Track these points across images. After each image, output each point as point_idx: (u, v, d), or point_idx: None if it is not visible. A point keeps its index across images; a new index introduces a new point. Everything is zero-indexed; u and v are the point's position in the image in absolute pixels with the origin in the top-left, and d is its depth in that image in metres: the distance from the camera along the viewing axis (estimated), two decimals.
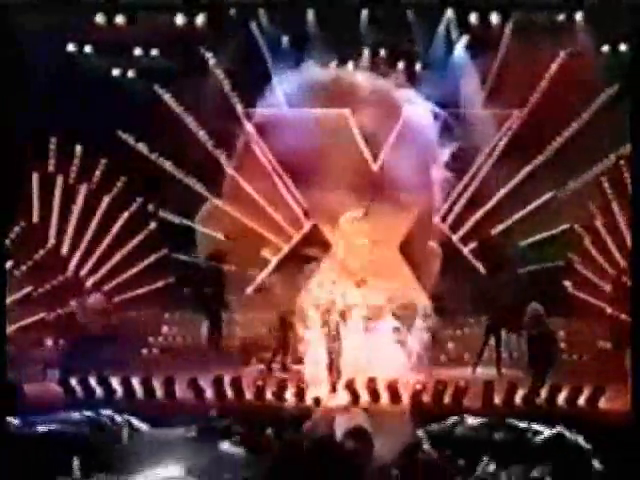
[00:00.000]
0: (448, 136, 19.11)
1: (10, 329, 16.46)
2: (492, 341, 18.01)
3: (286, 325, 17.81)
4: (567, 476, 8.31)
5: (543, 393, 14.84)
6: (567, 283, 18.59)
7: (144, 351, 19.17)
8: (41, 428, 10.40)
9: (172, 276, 19.00)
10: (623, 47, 18.56)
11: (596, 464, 8.74)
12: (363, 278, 18.97)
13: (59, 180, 18.98)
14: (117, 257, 19.02)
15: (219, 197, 19.50)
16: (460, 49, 19.30)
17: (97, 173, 19.09)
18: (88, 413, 11.21)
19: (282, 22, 19.01)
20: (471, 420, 10.33)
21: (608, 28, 18.37)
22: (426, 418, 12.18)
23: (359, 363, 16.55)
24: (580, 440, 9.30)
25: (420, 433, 11.12)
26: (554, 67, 18.58)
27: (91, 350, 16.74)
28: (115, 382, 15.40)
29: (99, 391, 15.36)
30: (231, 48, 19.05)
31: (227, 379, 15.19)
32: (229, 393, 15.06)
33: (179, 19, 18.81)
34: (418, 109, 19.22)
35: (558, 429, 9.55)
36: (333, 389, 15.70)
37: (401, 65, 19.53)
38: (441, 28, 19.21)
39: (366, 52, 19.29)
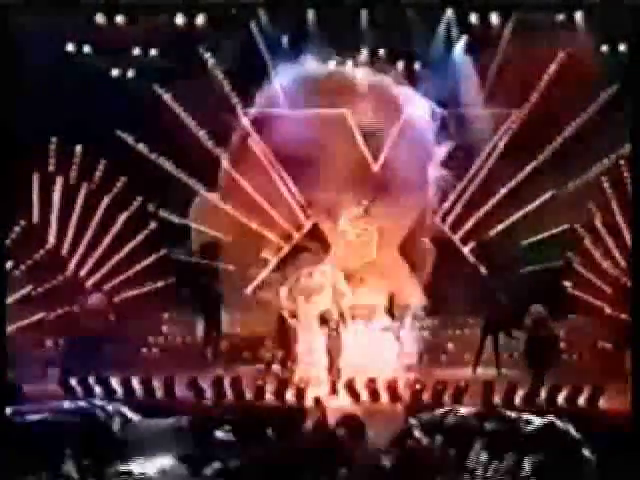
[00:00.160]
0: (445, 134, 19.12)
1: (10, 329, 16.45)
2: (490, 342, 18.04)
3: (286, 325, 17.80)
4: (558, 465, 8.33)
5: (543, 393, 14.85)
6: (567, 283, 18.59)
7: (144, 351, 19.19)
8: (33, 417, 10.39)
9: (172, 276, 19.00)
10: (623, 47, 18.54)
11: (587, 453, 8.76)
12: (363, 278, 19.01)
13: (59, 180, 18.98)
14: (117, 257, 19.00)
15: (219, 196, 19.50)
16: (460, 49, 19.29)
17: (97, 173, 19.08)
18: (80, 403, 11.20)
19: (282, 22, 19.01)
20: (462, 410, 10.33)
21: (608, 28, 18.37)
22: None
23: (359, 363, 16.57)
24: (571, 429, 9.30)
25: (411, 420, 11.15)
26: (554, 67, 18.58)
27: (91, 350, 16.76)
28: (115, 382, 15.41)
29: (99, 391, 15.37)
30: (231, 48, 19.04)
31: (227, 379, 15.20)
32: (229, 393, 15.07)
33: (179, 19, 18.80)
34: (417, 108, 19.21)
35: (549, 418, 9.54)
36: (333, 389, 15.70)
37: (400, 65, 19.52)
38: (441, 28, 19.19)
39: (365, 52, 19.27)
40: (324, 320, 16.39)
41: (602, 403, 14.59)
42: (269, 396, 15.08)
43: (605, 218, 18.64)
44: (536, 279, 18.35)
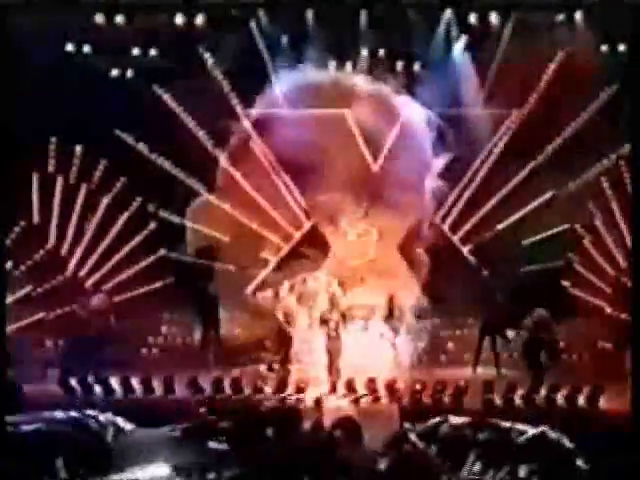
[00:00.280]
0: (442, 145, 19.11)
1: (10, 329, 16.45)
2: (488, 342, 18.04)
3: (287, 325, 17.79)
4: (551, 475, 8.32)
5: (543, 393, 14.85)
6: (567, 283, 18.60)
7: (144, 351, 19.18)
8: (26, 427, 10.36)
9: (172, 276, 19.00)
10: (622, 47, 18.54)
11: (580, 463, 8.75)
12: (363, 278, 19.01)
13: (59, 180, 18.98)
14: (117, 257, 19.00)
15: (219, 196, 19.49)
16: (459, 49, 19.28)
17: (97, 173, 19.08)
18: (72, 413, 11.17)
19: (282, 22, 19.01)
20: (454, 420, 10.31)
21: (607, 28, 18.37)
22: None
23: (359, 363, 16.57)
24: (563, 439, 9.29)
25: (407, 425, 11.13)
26: (553, 67, 18.59)
27: (91, 350, 16.76)
28: (115, 382, 15.41)
29: (99, 391, 15.37)
30: (231, 48, 19.03)
31: (227, 379, 15.20)
32: (229, 393, 15.07)
33: (178, 19, 18.79)
34: (415, 112, 19.20)
35: (541, 428, 9.52)
36: (333, 389, 15.69)
37: (400, 65, 19.51)
38: (440, 28, 19.18)
39: (365, 52, 19.26)
40: (324, 320, 16.37)
41: (602, 403, 14.59)
42: (269, 396, 15.05)
43: (605, 218, 18.65)
44: (536, 279, 18.36)
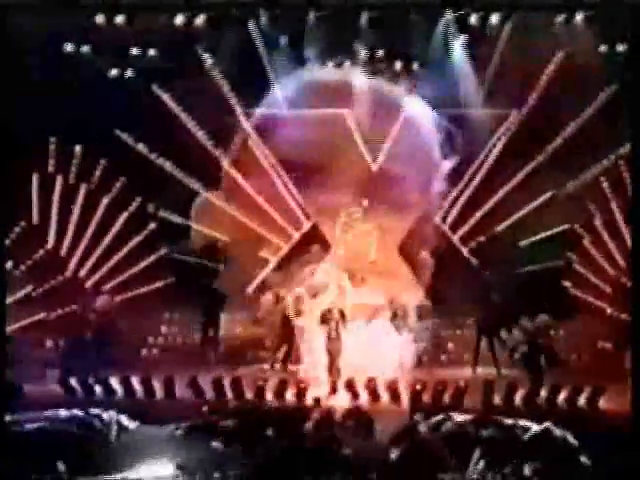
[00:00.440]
0: (449, 147, 19.11)
1: (10, 329, 16.46)
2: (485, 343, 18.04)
3: (287, 325, 17.80)
4: (555, 472, 8.33)
5: (543, 393, 14.85)
6: (567, 283, 18.61)
7: (144, 351, 19.19)
8: (28, 426, 10.37)
9: (172, 276, 19.00)
10: (622, 47, 18.53)
11: (584, 459, 8.76)
12: (363, 278, 19.01)
13: (59, 180, 18.99)
14: (117, 257, 19.01)
15: (219, 197, 19.49)
16: (459, 49, 19.28)
17: (97, 173, 19.08)
18: (76, 411, 11.18)
19: (282, 22, 19.00)
20: (458, 417, 10.32)
21: (607, 28, 18.34)
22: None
23: (359, 363, 16.57)
24: (568, 436, 9.30)
25: (417, 416, 11.15)
26: (553, 67, 18.59)
27: (91, 350, 16.78)
28: (115, 382, 15.41)
29: (99, 391, 15.37)
30: (230, 48, 19.02)
31: (227, 379, 15.20)
32: (229, 393, 15.07)
33: (178, 19, 18.78)
34: (422, 113, 19.19)
35: (545, 425, 9.52)
36: (333, 389, 15.69)
37: (399, 65, 19.51)
38: (440, 28, 19.17)
39: (365, 52, 19.24)
40: (324, 320, 16.37)
41: (602, 403, 14.58)
42: (270, 396, 15.06)
43: (605, 218, 18.66)
44: (536, 279, 18.36)
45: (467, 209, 19.38)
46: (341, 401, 14.98)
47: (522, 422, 10.09)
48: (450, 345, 18.95)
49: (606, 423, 13.25)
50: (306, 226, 19.51)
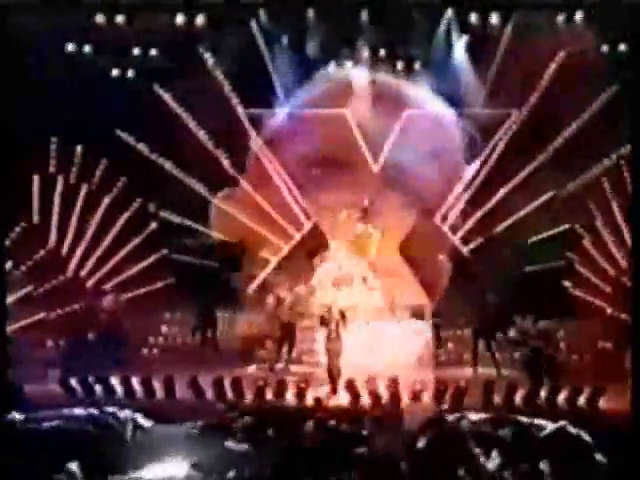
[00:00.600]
0: (472, 153, 19.11)
1: (10, 329, 16.46)
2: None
3: (287, 325, 17.79)
4: (570, 470, 8.33)
5: (543, 393, 14.84)
6: (567, 283, 18.60)
7: (144, 351, 19.19)
8: (44, 425, 10.38)
9: (172, 276, 19.02)
10: (623, 47, 18.54)
11: (599, 458, 8.74)
12: (363, 278, 19.02)
13: (59, 180, 19.00)
14: (117, 257, 19.02)
15: (219, 197, 19.49)
16: (460, 49, 19.28)
17: (97, 173, 19.09)
18: (91, 410, 11.19)
19: (282, 22, 19.01)
20: (473, 416, 10.31)
21: (608, 28, 18.35)
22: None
23: (359, 363, 16.57)
24: (583, 434, 9.28)
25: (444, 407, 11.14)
26: (554, 67, 18.59)
27: (91, 350, 16.79)
28: (115, 382, 15.41)
29: (99, 391, 15.38)
30: (230, 48, 19.03)
31: (227, 379, 15.19)
32: (229, 393, 15.07)
33: (178, 19, 18.79)
34: (441, 114, 19.15)
35: (561, 423, 9.51)
36: (333, 389, 15.68)
37: (400, 65, 19.51)
38: (441, 28, 19.18)
39: (366, 52, 19.26)
40: (324, 320, 16.35)
41: (602, 403, 14.58)
42: (270, 396, 15.06)
43: (605, 218, 18.64)
44: (536, 279, 18.35)
45: (467, 209, 19.37)
46: (341, 401, 15.00)
47: (539, 421, 10.08)
48: (450, 345, 18.93)
49: (606, 423, 13.22)
50: (306, 226, 19.49)
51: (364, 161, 19.23)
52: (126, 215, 19.17)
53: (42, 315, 18.27)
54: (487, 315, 17.86)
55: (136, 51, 19.32)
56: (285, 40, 19.11)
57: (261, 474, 8.58)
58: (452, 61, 19.39)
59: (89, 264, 19.07)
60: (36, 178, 18.81)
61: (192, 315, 19.18)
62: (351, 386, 14.99)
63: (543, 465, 8.48)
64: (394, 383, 15.02)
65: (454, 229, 19.50)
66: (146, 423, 11.22)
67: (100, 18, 18.59)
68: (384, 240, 19.20)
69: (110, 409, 11.32)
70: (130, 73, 19.56)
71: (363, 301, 18.52)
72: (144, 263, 19.01)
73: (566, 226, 18.80)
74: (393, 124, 19.23)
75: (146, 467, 9.09)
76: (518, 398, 14.74)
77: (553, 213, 18.92)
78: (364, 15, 18.82)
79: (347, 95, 19.30)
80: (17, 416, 10.78)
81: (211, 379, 15.14)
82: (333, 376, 15.85)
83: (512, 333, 16.77)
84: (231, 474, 8.71)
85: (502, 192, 19.07)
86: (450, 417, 10.52)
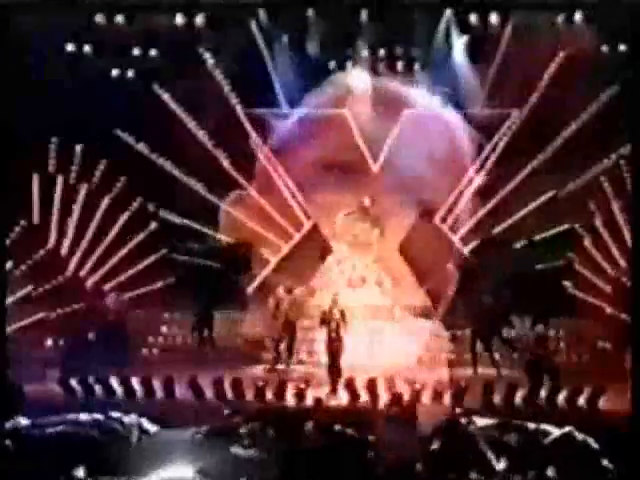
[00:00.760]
0: (481, 162, 19.12)
1: (10, 329, 16.47)
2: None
3: (287, 325, 17.79)
4: (576, 475, 8.35)
5: (543, 393, 14.85)
6: (567, 283, 18.60)
7: (144, 351, 19.19)
8: (49, 430, 10.37)
9: (172, 276, 19.02)
10: (622, 47, 18.53)
11: (606, 463, 8.76)
12: (363, 278, 19.02)
13: (59, 180, 18.99)
14: (117, 257, 19.01)
15: (218, 197, 19.48)
16: (460, 49, 19.27)
17: (97, 173, 19.09)
18: (96, 415, 11.18)
19: (282, 22, 19.00)
20: (480, 421, 10.32)
21: (608, 28, 18.35)
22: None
23: (359, 363, 16.57)
24: (589, 440, 9.29)
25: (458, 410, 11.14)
26: (554, 67, 18.59)
27: (91, 350, 16.79)
28: (115, 382, 15.41)
29: (99, 391, 15.37)
30: (230, 48, 19.03)
31: (228, 379, 15.19)
32: (229, 393, 15.07)
33: (178, 19, 18.79)
34: (448, 119, 19.15)
35: (567, 429, 9.52)
36: (333, 389, 15.68)
37: (400, 64, 19.51)
38: (441, 28, 19.18)
39: (366, 52, 19.26)
40: (324, 320, 16.34)
41: (602, 403, 14.58)
42: (270, 397, 15.05)
43: (605, 218, 18.64)
44: (536, 279, 18.35)
45: (467, 209, 19.36)
46: (341, 401, 15.00)
47: (544, 426, 10.09)
48: (450, 345, 18.92)
49: (606, 423, 13.23)
50: (306, 226, 19.48)
51: (364, 161, 19.22)
52: (126, 215, 19.16)
53: (42, 315, 18.27)
54: (486, 315, 17.84)
55: (136, 51, 19.28)
56: (285, 40, 19.09)
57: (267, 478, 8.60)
58: (452, 61, 19.36)
59: (89, 264, 19.06)
60: (36, 178, 18.80)
61: (192, 315, 19.18)
62: (351, 386, 15.00)
63: (550, 471, 8.50)
64: (394, 383, 15.05)
65: (454, 229, 19.48)
66: (151, 428, 11.22)
67: (100, 18, 18.58)
68: (384, 240, 19.20)
69: (115, 414, 11.32)
70: (130, 73, 19.53)
71: (374, 302, 18.55)
72: (144, 263, 19.00)
73: (566, 226, 18.80)
74: (392, 124, 19.21)
75: (151, 472, 9.09)
76: (518, 398, 14.75)
77: (553, 213, 18.90)
78: (364, 15, 18.82)
79: (347, 95, 19.29)
80: (22, 421, 10.79)
81: (211, 379, 15.14)
82: (333, 376, 15.85)
83: (510, 334, 16.78)
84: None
85: (502, 192, 19.06)
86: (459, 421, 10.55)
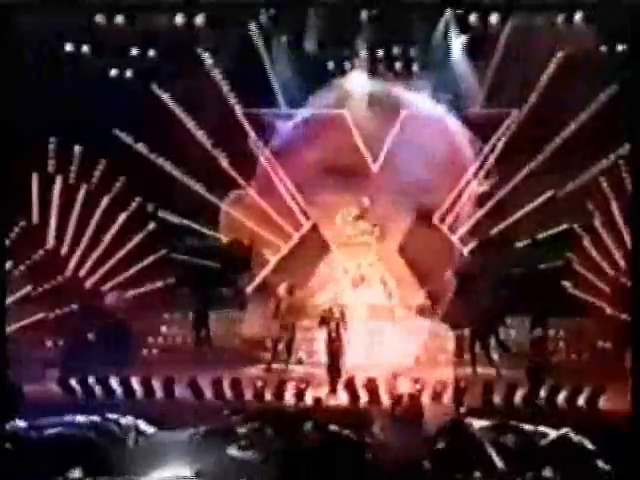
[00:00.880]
0: (484, 172, 19.12)
1: (10, 329, 16.45)
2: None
3: (287, 325, 17.79)
4: (573, 478, 8.35)
5: (543, 393, 14.86)
6: (567, 283, 18.61)
7: (144, 351, 19.19)
8: (46, 432, 10.36)
9: (172, 276, 19.02)
10: (622, 47, 18.54)
11: (602, 465, 8.75)
12: (363, 278, 19.03)
13: (58, 180, 18.98)
14: (116, 257, 19.00)
15: (218, 197, 19.48)
16: (459, 49, 19.27)
17: (96, 173, 19.08)
18: (93, 417, 11.17)
19: (282, 22, 19.01)
20: (476, 423, 10.30)
21: (607, 28, 18.35)
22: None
23: (359, 363, 16.58)
24: (585, 442, 9.29)
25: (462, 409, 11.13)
26: (553, 67, 18.59)
27: (91, 350, 16.78)
28: (115, 382, 15.40)
29: (99, 391, 15.37)
30: (230, 48, 19.03)
31: (227, 379, 15.19)
32: (229, 393, 15.07)
33: (178, 19, 18.78)
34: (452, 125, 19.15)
35: (564, 431, 9.52)
36: (333, 389, 15.68)
37: (399, 65, 19.52)
38: (440, 28, 19.18)
39: (365, 52, 19.25)
40: (324, 320, 16.34)
41: (602, 403, 14.59)
42: (270, 397, 15.06)
43: (605, 218, 18.65)
44: (535, 279, 18.37)
45: (467, 209, 19.37)
46: (341, 401, 15.01)
47: (541, 428, 10.08)
48: (450, 345, 18.91)
49: (606, 423, 13.23)
50: (306, 226, 19.48)
51: (364, 161, 19.22)
52: (125, 215, 19.15)
53: (42, 315, 18.26)
54: (486, 315, 17.86)
55: (135, 51, 19.28)
56: (285, 40, 19.09)
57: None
58: (451, 61, 19.36)
59: (88, 264, 19.05)
60: (35, 178, 18.78)
61: (192, 315, 19.21)
62: (351, 386, 15.00)
63: (547, 473, 8.50)
64: (394, 383, 15.05)
65: (453, 229, 19.48)
66: (148, 429, 11.20)
67: (100, 18, 18.56)
68: (384, 240, 19.20)
69: (112, 415, 11.31)
70: (129, 73, 19.53)
71: (373, 302, 18.57)
72: (144, 263, 19.00)
73: (565, 226, 18.81)
74: (392, 124, 19.21)
75: (149, 474, 9.08)
76: (518, 398, 14.76)
77: (552, 213, 18.91)
78: (363, 15, 18.82)
79: (346, 97, 19.30)
80: (19, 423, 10.77)
81: (210, 380, 15.14)
82: (333, 376, 15.85)
83: (509, 336, 16.80)
84: None
85: (501, 192, 19.07)
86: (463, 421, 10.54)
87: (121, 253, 19.01)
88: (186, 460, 9.13)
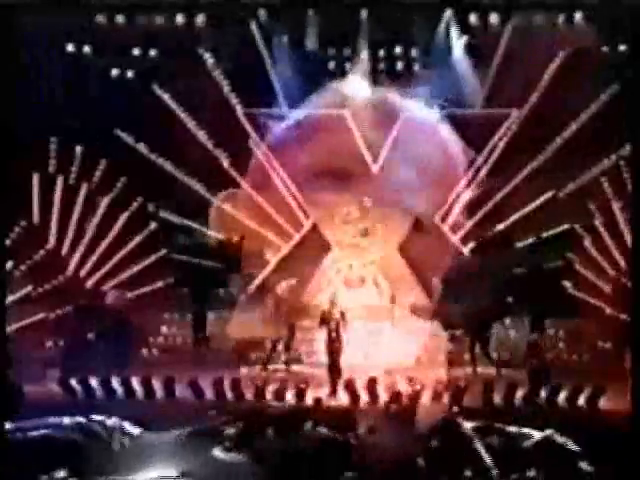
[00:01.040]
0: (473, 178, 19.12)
1: (10, 329, 16.44)
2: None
3: (287, 325, 17.79)
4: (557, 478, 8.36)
5: (543, 393, 14.85)
6: (567, 283, 18.60)
7: (144, 351, 19.20)
8: (31, 434, 10.36)
9: (172, 276, 19.03)
10: (622, 47, 18.55)
11: (585, 466, 8.75)
12: (362, 278, 19.02)
13: (59, 180, 18.98)
14: (117, 257, 19.00)
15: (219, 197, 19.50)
16: (460, 49, 19.28)
17: (97, 173, 19.08)
18: (79, 419, 11.16)
19: (282, 22, 19.02)
20: (465, 423, 10.31)
21: (608, 28, 18.37)
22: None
23: (359, 363, 16.57)
24: (569, 443, 9.29)
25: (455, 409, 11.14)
26: (554, 67, 18.59)
27: (91, 350, 16.78)
28: (115, 382, 15.41)
29: (99, 391, 15.37)
30: (230, 48, 19.04)
31: (227, 379, 15.19)
32: (229, 393, 15.07)
33: (178, 19, 18.80)
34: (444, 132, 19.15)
35: (547, 432, 9.52)
36: (333, 389, 15.67)
37: (400, 65, 19.52)
38: (441, 28, 19.19)
39: (366, 52, 19.26)
40: (324, 320, 16.34)
41: (602, 403, 14.58)
42: (270, 397, 15.05)
43: (605, 218, 18.64)
44: (535, 279, 18.36)
45: (467, 209, 19.37)
46: (341, 401, 15.00)
47: (525, 429, 10.07)
48: (450, 345, 18.91)
49: (606, 423, 13.23)
50: (306, 226, 19.48)
51: (364, 161, 19.21)
52: (126, 215, 19.15)
53: (42, 315, 18.27)
54: (485, 315, 17.86)
55: (136, 51, 19.32)
56: (285, 40, 19.10)
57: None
58: (451, 61, 19.37)
59: (89, 264, 19.04)
60: (36, 178, 18.78)
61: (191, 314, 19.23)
62: (351, 386, 15.00)
63: (529, 475, 8.52)
64: (393, 383, 15.05)
65: (453, 229, 19.47)
66: (134, 431, 11.20)
67: (100, 18, 18.59)
68: (384, 240, 19.20)
69: (97, 417, 11.30)
70: (130, 73, 19.56)
71: (373, 302, 18.56)
72: (144, 263, 19.00)
73: (566, 226, 18.80)
74: (392, 125, 19.19)
75: (134, 475, 9.08)
76: (518, 398, 14.76)
77: (553, 213, 18.90)
78: (364, 15, 18.82)
79: (345, 99, 19.29)
80: (7, 425, 10.77)
81: (211, 380, 15.14)
82: (333, 376, 15.85)
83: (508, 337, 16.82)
84: None
85: (502, 192, 19.06)
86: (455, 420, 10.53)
87: (121, 253, 19.00)
88: (172, 461, 9.12)
